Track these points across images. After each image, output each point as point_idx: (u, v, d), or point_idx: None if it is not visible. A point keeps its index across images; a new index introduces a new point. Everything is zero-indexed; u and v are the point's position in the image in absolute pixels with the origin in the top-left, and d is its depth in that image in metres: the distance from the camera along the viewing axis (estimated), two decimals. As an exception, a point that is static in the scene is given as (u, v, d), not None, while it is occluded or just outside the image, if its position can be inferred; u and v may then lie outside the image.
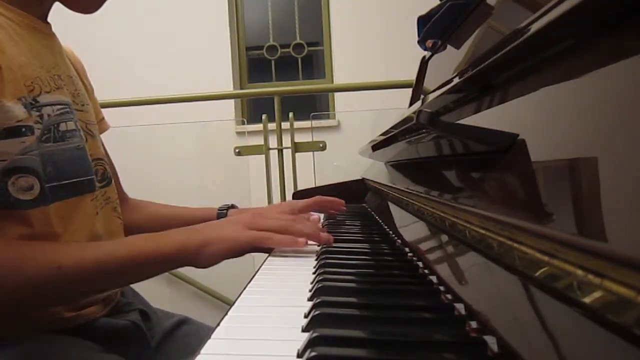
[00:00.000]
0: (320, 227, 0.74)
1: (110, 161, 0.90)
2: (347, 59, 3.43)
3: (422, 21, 1.02)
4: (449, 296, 0.45)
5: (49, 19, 0.75)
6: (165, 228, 0.79)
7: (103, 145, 0.89)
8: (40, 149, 0.63)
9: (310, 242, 0.73)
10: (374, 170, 1.28)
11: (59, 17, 0.82)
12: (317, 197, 0.98)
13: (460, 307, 0.42)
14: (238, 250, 0.65)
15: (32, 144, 0.62)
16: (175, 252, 0.63)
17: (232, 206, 0.94)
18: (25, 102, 0.62)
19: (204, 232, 0.65)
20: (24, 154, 0.61)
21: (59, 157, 0.65)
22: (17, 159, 0.60)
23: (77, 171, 0.69)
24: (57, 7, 0.73)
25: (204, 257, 0.64)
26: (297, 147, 2.25)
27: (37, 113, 0.63)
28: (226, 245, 0.64)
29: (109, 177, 0.79)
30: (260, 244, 0.67)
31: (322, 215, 1.05)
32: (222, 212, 0.91)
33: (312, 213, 0.90)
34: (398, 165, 0.98)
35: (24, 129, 0.61)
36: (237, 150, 2.24)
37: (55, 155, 0.65)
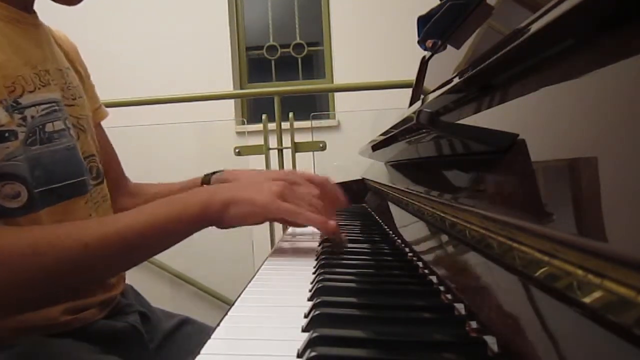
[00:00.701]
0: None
1: (111, 148, 0.88)
2: (347, 59, 3.43)
3: (422, 21, 1.02)
4: (449, 296, 0.45)
5: (42, 16, 0.71)
6: None
7: (104, 132, 0.86)
8: (27, 153, 0.60)
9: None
10: (374, 170, 1.28)
11: (57, 16, 0.81)
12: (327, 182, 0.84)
13: (460, 307, 0.42)
14: (265, 219, 0.63)
15: (16, 149, 0.59)
16: (200, 211, 0.60)
17: (219, 171, 0.90)
18: (7, 104, 0.59)
19: (231, 191, 0.62)
20: (8, 160, 0.58)
21: (47, 159, 0.63)
22: (1, 165, 0.57)
23: (68, 173, 0.66)
24: (48, 4, 0.70)
25: (228, 217, 0.61)
26: (297, 147, 2.25)
27: (20, 115, 0.60)
28: (253, 210, 0.62)
29: (102, 173, 0.77)
30: (290, 218, 0.63)
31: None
32: (207, 177, 0.89)
33: None
34: (398, 165, 0.98)
35: (7, 134, 0.58)
36: (237, 150, 2.24)
37: (43, 158, 0.62)
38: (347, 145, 1.95)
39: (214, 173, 0.90)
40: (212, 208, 0.61)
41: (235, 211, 0.61)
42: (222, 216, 0.61)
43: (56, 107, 0.66)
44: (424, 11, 1.03)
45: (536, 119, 0.36)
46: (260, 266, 0.65)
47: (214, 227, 0.64)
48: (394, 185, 0.87)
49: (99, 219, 0.65)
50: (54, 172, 0.64)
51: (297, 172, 0.89)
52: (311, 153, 2.31)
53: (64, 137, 0.66)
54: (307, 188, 0.70)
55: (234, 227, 0.63)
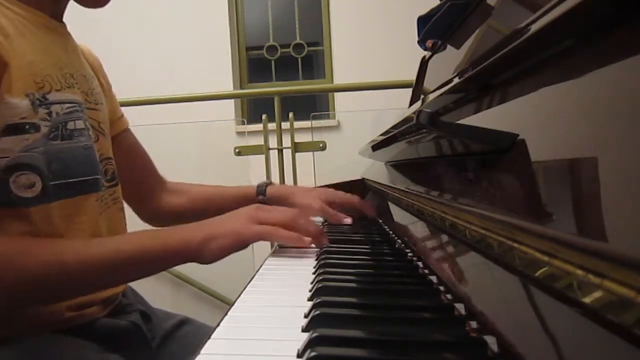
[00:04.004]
0: (322, 229, 0.74)
1: (145, 151, 0.94)
2: (347, 59, 3.43)
3: (422, 21, 1.02)
4: (449, 296, 0.45)
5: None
6: (207, 209, 0.85)
7: (134, 136, 0.93)
8: (47, 147, 0.63)
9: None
10: (374, 170, 1.28)
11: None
12: (356, 199, 0.97)
13: (460, 307, 0.42)
14: (242, 245, 0.65)
15: (36, 141, 0.62)
16: (180, 247, 0.63)
17: (270, 183, 0.97)
18: (33, 98, 0.62)
19: (208, 227, 0.65)
20: (26, 151, 0.61)
21: (66, 155, 0.66)
22: (19, 155, 0.60)
23: (83, 170, 0.69)
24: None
25: (207, 253, 0.63)
26: (297, 147, 2.25)
27: (46, 110, 0.63)
28: (229, 240, 0.64)
29: (117, 176, 0.80)
30: (265, 239, 0.67)
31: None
32: (262, 189, 0.94)
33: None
34: (398, 165, 0.98)
35: (27, 126, 0.61)
36: (237, 150, 2.24)
37: (62, 152, 0.65)
38: (347, 145, 1.95)
39: (267, 184, 0.95)
40: (192, 245, 0.63)
41: (213, 246, 0.63)
42: (202, 252, 0.63)
43: (78, 108, 0.70)
44: (424, 11, 1.03)
45: (536, 119, 0.36)
46: (260, 266, 0.65)
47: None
48: (394, 185, 0.87)
49: (85, 241, 0.67)
50: (70, 167, 0.67)
51: (333, 191, 0.96)
52: (311, 153, 2.31)
53: (83, 136, 0.70)
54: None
55: (217, 260, 0.65)
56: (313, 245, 0.70)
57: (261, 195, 0.93)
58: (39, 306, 0.64)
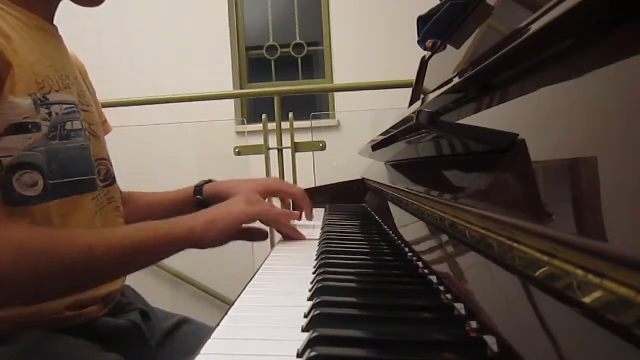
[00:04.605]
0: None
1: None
2: (347, 59, 3.43)
3: (422, 21, 1.02)
4: (449, 296, 0.45)
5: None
6: (149, 215, 0.88)
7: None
8: (47, 146, 0.64)
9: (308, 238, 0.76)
10: (374, 170, 1.27)
11: (61, 16, 0.82)
12: (299, 193, 0.96)
13: (460, 307, 0.42)
14: (243, 222, 0.72)
15: (38, 141, 0.63)
16: (185, 233, 0.67)
17: (209, 181, 0.95)
18: (35, 98, 0.63)
19: (211, 212, 0.71)
20: (29, 150, 0.62)
21: (64, 155, 0.67)
22: (22, 155, 0.61)
23: (80, 170, 0.70)
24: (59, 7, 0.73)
25: (211, 235, 0.68)
26: (297, 147, 2.25)
27: (47, 110, 0.64)
28: (232, 219, 0.70)
29: (112, 177, 0.80)
30: (262, 219, 0.76)
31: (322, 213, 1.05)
32: (199, 189, 0.93)
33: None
34: (398, 165, 0.98)
35: (30, 126, 0.62)
36: (237, 150, 2.24)
37: (60, 153, 0.66)
38: (347, 145, 1.95)
39: (205, 183, 0.94)
40: (196, 230, 0.68)
41: (217, 227, 0.69)
42: (205, 236, 0.68)
43: (75, 109, 0.71)
44: (424, 11, 1.03)
45: (536, 119, 0.36)
46: (260, 266, 0.65)
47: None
48: (394, 185, 0.87)
49: (103, 228, 0.71)
50: (67, 167, 0.68)
51: (276, 179, 0.98)
52: (311, 153, 2.31)
53: (80, 136, 0.71)
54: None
55: (221, 243, 0.71)
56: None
57: (198, 195, 0.92)
58: (66, 293, 0.65)
